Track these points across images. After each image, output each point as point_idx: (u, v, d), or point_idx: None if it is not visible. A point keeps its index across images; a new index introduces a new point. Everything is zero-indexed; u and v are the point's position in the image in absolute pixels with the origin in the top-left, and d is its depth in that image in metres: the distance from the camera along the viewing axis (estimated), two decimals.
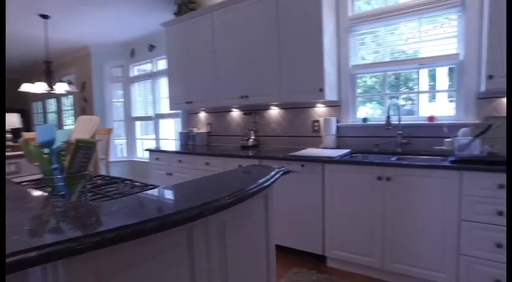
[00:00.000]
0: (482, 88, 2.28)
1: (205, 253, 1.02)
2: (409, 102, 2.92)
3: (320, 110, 3.22)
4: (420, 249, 2.18)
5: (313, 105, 3.25)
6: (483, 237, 1.98)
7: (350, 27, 2.97)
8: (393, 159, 2.53)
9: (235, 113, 3.86)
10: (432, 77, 2.81)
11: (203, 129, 4.14)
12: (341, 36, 3.01)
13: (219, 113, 4.01)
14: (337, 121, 3.09)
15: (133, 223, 0.74)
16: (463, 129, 2.28)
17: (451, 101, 2.71)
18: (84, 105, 6.43)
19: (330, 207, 2.51)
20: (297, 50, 2.89)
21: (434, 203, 2.11)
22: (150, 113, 5.52)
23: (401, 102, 2.90)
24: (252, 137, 3.55)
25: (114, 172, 5.08)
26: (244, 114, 3.73)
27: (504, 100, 2.41)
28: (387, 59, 2.88)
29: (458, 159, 2.09)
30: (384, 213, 2.29)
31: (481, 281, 2.00)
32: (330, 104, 3.12)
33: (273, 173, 1.28)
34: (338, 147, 3.02)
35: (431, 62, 2.67)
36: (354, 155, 2.81)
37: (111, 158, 5.25)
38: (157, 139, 5.46)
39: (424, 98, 2.86)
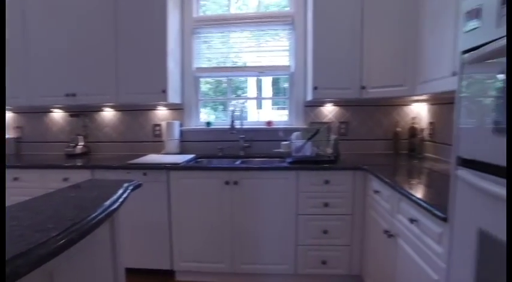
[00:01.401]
0: (309, 97, 2.63)
1: None
2: (242, 107, 3.09)
3: (161, 113, 2.99)
4: (265, 247, 2.30)
5: (154, 108, 2.98)
6: (314, 226, 2.26)
7: (195, 28, 2.89)
8: (238, 162, 2.60)
9: (58, 115, 3.12)
10: (259, 86, 3.06)
11: (9, 135, 3.16)
12: (185, 36, 2.88)
13: (33, 113, 3.14)
14: (181, 125, 2.94)
15: None
16: (295, 133, 2.56)
17: (280, 108, 3.04)
18: None
19: (177, 216, 2.34)
20: (137, 47, 2.57)
21: (277, 202, 2.27)
22: None
23: (232, 108, 3.04)
24: (81, 144, 2.95)
25: None
26: (71, 116, 3.05)
27: (323, 109, 2.86)
28: (230, 64, 2.95)
29: (295, 160, 2.32)
30: (233, 217, 2.30)
31: (313, 264, 2.28)
32: (173, 107, 2.95)
33: (121, 191, 1.00)
34: (181, 152, 2.88)
35: (269, 71, 2.90)
36: (199, 160, 2.73)
37: None
38: None
39: (252, 104, 3.07)
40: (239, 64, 2.95)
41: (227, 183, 2.27)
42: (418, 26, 2.12)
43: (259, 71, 2.91)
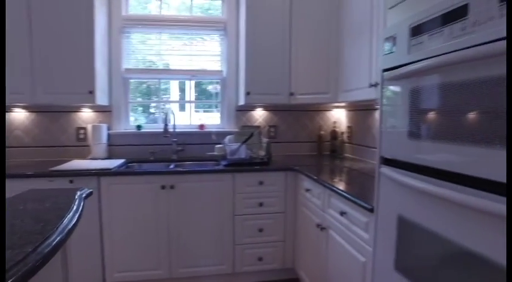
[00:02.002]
0: (241, 102, 2.73)
1: None
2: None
3: (86, 115, 2.78)
4: (204, 249, 2.33)
5: (77, 110, 2.76)
6: (250, 226, 2.37)
7: (123, 27, 2.76)
8: (172, 166, 2.57)
9: None
10: (181, 88, 3.06)
11: None
12: (113, 35, 2.74)
13: None
14: (108, 128, 2.78)
15: None
16: (228, 136, 2.64)
17: (206, 111, 3.08)
18: None
19: (109, 225, 2.21)
20: (59, 43, 2.35)
21: (214, 204, 2.32)
22: None
23: (152, 110, 3.00)
24: None
25: None
26: None
27: (254, 113, 3.00)
28: (161, 67, 2.90)
29: (231, 162, 2.40)
30: (170, 221, 2.27)
31: (250, 261, 2.39)
32: (99, 109, 2.77)
33: (77, 199, 0.93)
34: (110, 157, 2.72)
35: (201, 75, 2.93)
36: (130, 164, 2.62)
37: None
38: None
39: (175, 107, 3.03)
40: (171, 67, 2.91)
41: (163, 187, 2.24)
42: (340, 40, 2.39)
43: (192, 74, 2.92)
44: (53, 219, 0.74)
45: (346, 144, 2.90)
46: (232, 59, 2.92)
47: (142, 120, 2.99)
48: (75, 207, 0.85)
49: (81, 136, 2.76)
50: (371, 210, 1.32)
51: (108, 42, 2.72)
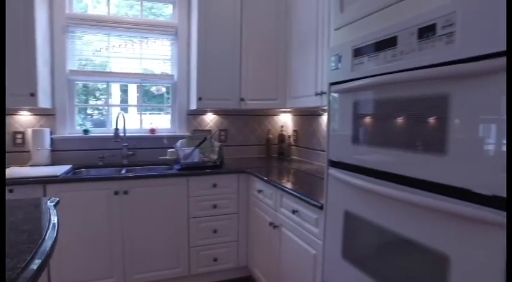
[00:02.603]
0: (193, 107, 2.78)
1: None
2: (98, 112, 2.97)
3: (24, 118, 2.60)
4: (159, 253, 2.34)
5: (13, 113, 2.57)
6: (204, 227, 2.44)
7: (67, 26, 2.64)
8: (123, 171, 2.53)
9: None
10: (124, 92, 3.03)
11: None
12: (56, 34, 2.60)
13: None
14: (51, 133, 2.63)
15: None
16: (180, 141, 2.67)
17: (152, 113, 3.07)
18: None
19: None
20: None
21: (169, 207, 2.34)
22: None
23: (90, 111, 2.92)
24: None
25: None
26: None
27: (205, 117, 3.07)
28: (108, 69, 2.82)
29: (184, 166, 2.44)
30: (124, 227, 2.24)
31: (205, 262, 2.45)
32: (39, 112, 2.61)
33: (50, 208, 0.91)
34: (53, 163, 2.58)
35: (152, 79, 2.92)
36: (77, 170, 2.52)
37: None
38: None
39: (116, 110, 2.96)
40: (120, 70, 2.85)
41: (116, 193, 2.21)
42: (288, 50, 2.58)
43: (142, 78, 2.89)
44: (35, 229, 0.75)
45: (293, 146, 3.11)
46: (183, 64, 2.95)
47: (87, 124, 2.87)
48: (52, 215, 0.86)
49: (19, 141, 2.58)
50: (321, 207, 1.48)
51: (50, 42, 2.58)
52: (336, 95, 1.39)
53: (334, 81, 1.38)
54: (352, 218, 1.27)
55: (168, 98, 3.04)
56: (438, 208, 0.88)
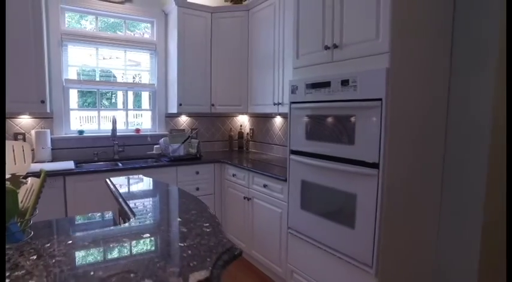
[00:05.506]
0: (174, 111, 3.44)
1: None
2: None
3: (24, 121, 2.99)
4: None
5: (14, 117, 2.94)
6: None
7: (62, 40, 3.07)
8: (120, 164, 3.10)
9: None
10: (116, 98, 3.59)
11: None
12: (52, 46, 3.02)
13: None
14: (51, 133, 3.07)
15: None
16: (163, 138, 3.31)
17: (135, 115, 3.66)
18: None
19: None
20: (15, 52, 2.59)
21: None
22: None
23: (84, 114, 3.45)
24: None
25: None
26: None
27: (179, 119, 3.73)
28: (98, 78, 3.32)
29: (173, 159, 3.11)
30: None
31: None
32: (39, 116, 3.02)
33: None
34: (54, 160, 3.03)
35: (138, 87, 3.48)
36: (79, 165, 3.01)
37: None
38: None
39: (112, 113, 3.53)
40: (112, 79, 3.36)
41: None
42: (250, 67, 3.37)
43: (129, 86, 3.44)
44: (198, 209, 1.35)
45: (250, 141, 3.93)
46: (161, 75, 3.57)
47: (85, 125, 3.34)
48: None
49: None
50: (285, 180, 2.34)
51: (48, 54, 3.00)
52: (294, 110, 2.25)
53: (293, 101, 2.23)
54: (305, 184, 2.14)
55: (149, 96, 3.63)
56: (350, 171, 1.78)
